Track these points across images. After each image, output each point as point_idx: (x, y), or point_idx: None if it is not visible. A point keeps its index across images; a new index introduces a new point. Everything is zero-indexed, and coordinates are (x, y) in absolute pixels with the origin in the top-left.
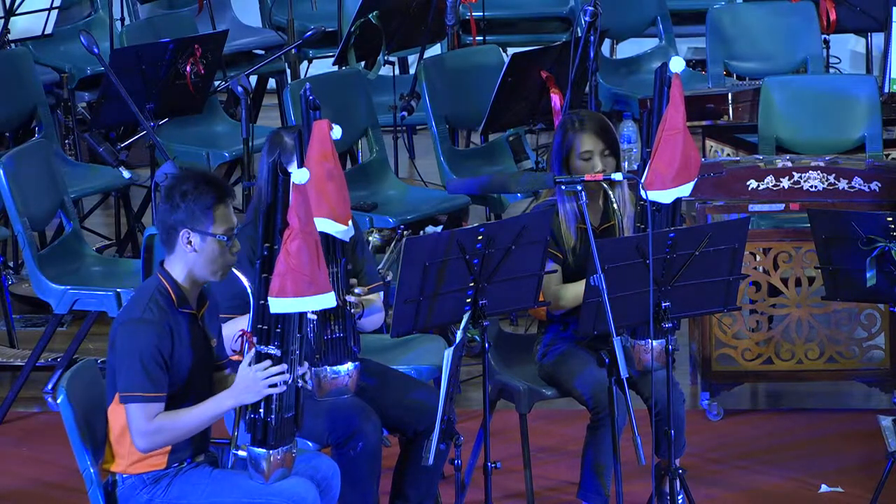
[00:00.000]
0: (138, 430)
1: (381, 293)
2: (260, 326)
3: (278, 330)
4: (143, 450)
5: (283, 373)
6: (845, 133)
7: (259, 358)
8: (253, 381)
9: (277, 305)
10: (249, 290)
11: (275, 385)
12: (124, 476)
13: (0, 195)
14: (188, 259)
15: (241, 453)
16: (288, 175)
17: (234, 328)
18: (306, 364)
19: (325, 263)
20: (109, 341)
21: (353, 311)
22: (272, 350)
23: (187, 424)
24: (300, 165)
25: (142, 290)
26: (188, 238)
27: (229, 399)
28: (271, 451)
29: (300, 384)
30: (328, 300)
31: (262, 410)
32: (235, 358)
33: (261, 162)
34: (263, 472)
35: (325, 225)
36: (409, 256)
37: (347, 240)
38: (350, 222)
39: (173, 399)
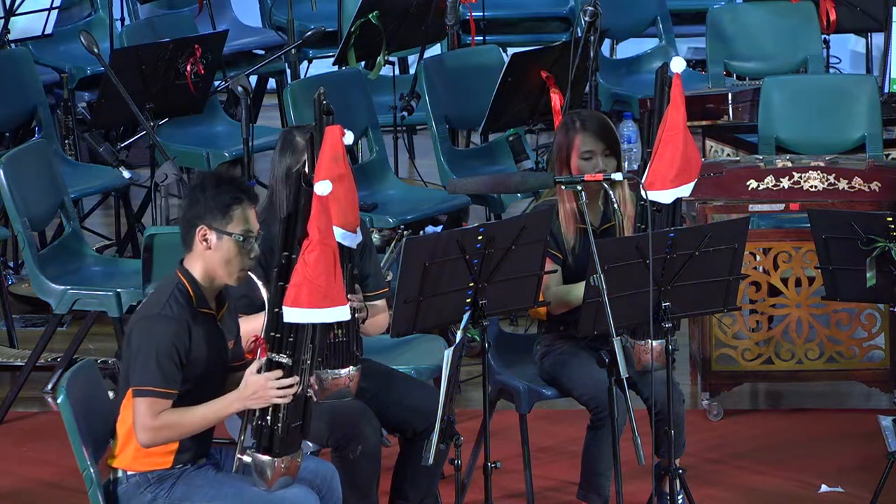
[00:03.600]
0: (142, 425)
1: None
2: (273, 334)
3: (290, 339)
4: (144, 444)
5: (293, 385)
6: (845, 133)
7: (270, 366)
8: (262, 388)
9: (291, 315)
10: (266, 297)
11: (283, 396)
12: (129, 473)
13: (0, 195)
14: (205, 258)
15: (246, 459)
16: (311, 186)
17: (245, 327)
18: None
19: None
20: (126, 337)
21: (357, 315)
22: (283, 359)
23: (191, 424)
24: (311, 169)
25: (161, 288)
26: (204, 234)
27: (236, 402)
28: (276, 460)
29: (308, 394)
30: (342, 313)
31: (269, 418)
32: (249, 357)
33: (272, 161)
34: (267, 479)
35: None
36: (409, 256)
37: (355, 246)
38: (358, 229)
39: (185, 397)
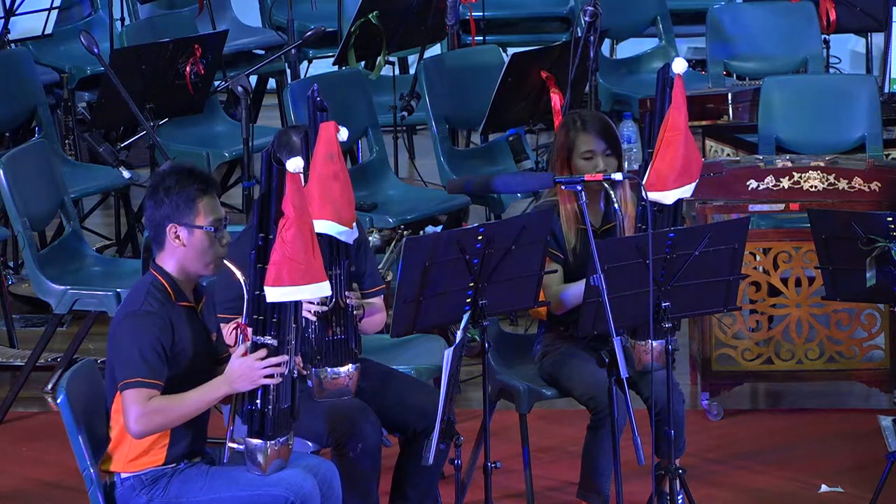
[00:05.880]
0: (133, 413)
1: (382, 296)
2: (256, 317)
3: (274, 320)
4: (136, 434)
5: (280, 364)
6: (845, 133)
7: (255, 348)
8: (249, 369)
9: (273, 294)
10: (243, 282)
11: (271, 375)
12: (123, 477)
13: (0, 195)
14: (178, 254)
15: (238, 446)
16: (282, 165)
17: (227, 327)
18: (299, 356)
19: (329, 264)
20: (109, 339)
21: (355, 312)
22: (268, 340)
23: (181, 408)
24: (306, 166)
25: (137, 287)
26: (175, 233)
27: (224, 385)
28: (269, 443)
29: (296, 374)
30: (323, 289)
31: (258, 401)
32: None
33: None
34: (261, 463)
35: (328, 227)
36: (409, 256)
37: (351, 242)
38: (354, 225)
39: (174, 390)
